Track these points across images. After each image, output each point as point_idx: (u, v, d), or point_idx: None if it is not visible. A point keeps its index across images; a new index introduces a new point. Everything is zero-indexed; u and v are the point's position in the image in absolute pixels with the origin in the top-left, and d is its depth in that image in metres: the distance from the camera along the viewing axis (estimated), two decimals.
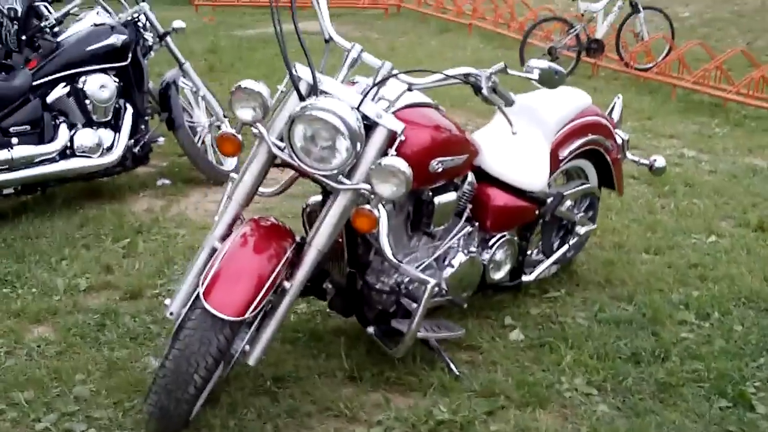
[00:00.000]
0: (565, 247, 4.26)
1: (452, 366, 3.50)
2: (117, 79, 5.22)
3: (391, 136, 2.95)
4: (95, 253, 4.56)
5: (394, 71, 3.04)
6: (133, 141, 5.27)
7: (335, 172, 2.92)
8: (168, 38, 5.57)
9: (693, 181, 6.09)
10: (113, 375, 3.41)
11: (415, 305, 3.24)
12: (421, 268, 3.46)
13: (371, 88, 3.00)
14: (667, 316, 4.04)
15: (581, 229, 4.29)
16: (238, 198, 3.06)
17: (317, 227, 3.02)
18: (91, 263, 4.42)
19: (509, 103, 3.15)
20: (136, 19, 5.36)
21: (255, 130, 2.98)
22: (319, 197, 3.35)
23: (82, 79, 5.06)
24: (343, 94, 2.96)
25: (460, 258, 3.61)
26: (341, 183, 2.94)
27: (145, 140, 5.35)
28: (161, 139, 5.54)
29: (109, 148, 5.14)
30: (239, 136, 2.97)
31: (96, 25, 5.18)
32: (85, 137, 5.04)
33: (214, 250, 3.01)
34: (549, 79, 3.08)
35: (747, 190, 6.03)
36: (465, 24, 13.05)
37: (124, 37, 5.22)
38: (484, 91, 3.04)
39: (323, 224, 3.01)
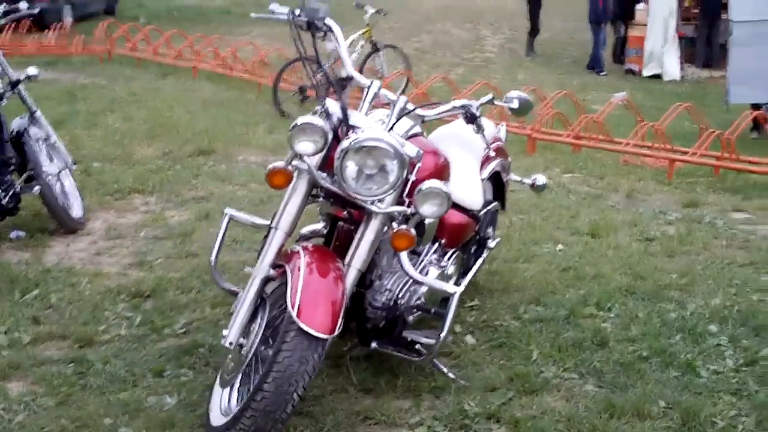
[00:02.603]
0: (481, 259, 5.39)
1: (445, 370, 4.44)
2: None
3: (411, 163, 3.87)
4: (9, 306, 4.94)
5: (409, 105, 4.03)
6: (2, 192, 5.53)
7: (384, 195, 3.78)
8: (20, 86, 5.98)
9: (514, 199, 7.53)
10: (136, 417, 3.89)
11: (412, 316, 4.19)
12: (401, 284, 4.38)
13: (397, 120, 3.96)
14: (578, 312, 5.32)
15: (492, 243, 5.44)
16: (284, 227, 3.75)
17: (354, 249, 3.80)
18: (15, 317, 4.79)
19: (483, 130, 4.27)
20: None
21: (298, 163, 3.78)
22: (315, 226, 4.17)
23: None
24: (370, 127, 3.88)
25: (434, 272, 4.57)
26: (378, 207, 3.77)
27: (14, 191, 5.64)
28: (37, 188, 5.83)
29: None
30: (290, 168, 3.75)
31: None
32: None
33: (267, 279, 3.71)
34: (524, 108, 4.26)
35: (556, 203, 7.62)
36: (187, 68, 14.40)
37: None
38: (479, 121, 4.17)
39: (360, 246, 3.78)
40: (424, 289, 4.28)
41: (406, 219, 3.89)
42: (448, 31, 22.07)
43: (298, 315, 3.41)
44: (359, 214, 3.86)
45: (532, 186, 5.54)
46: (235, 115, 10.82)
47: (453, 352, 4.59)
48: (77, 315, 4.86)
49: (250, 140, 9.44)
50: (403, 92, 11.62)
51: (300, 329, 3.39)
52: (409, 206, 3.84)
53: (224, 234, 4.17)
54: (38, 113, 6.20)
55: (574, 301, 5.32)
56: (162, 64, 14.91)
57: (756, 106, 11.90)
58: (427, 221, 4.23)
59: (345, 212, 3.93)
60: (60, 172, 6.22)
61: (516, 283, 5.57)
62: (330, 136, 3.69)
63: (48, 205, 6.01)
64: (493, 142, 5.16)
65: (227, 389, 3.76)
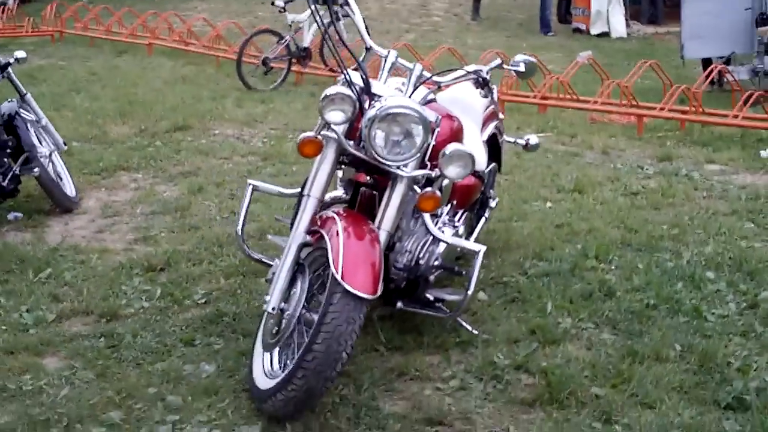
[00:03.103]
0: (484, 218, 5.56)
1: (468, 326, 4.61)
2: None
3: (431, 127, 4.00)
4: (26, 286, 4.99)
5: (425, 72, 4.18)
6: (0, 175, 5.56)
7: (411, 159, 3.94)
8: (9, 69, 6.04)
9: None
10: (178, 385, 4.01)
11: (433, 275, 4.33)
12: (420, 245, 4.53)
13: (417, 87, 4.11)
14: (581, 265, 5.53)
15: (492, 203, 5.61)
16: (316, 194, 3.88)
17: (383, 212, 3.95)
18: (35, 296, 4.86)
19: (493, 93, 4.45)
20: None
21: (327, 132, 3.92)
22: (335, 193, 4.30)
23: None
24: (392, 95, 4.03)
25: (449, 232, 4.73)
26: (404, 171, 3.91)
27: (13, 173, 5.68)
28: (36, 170, 5.86)
29: None
30: (320, 138, 3.89)
31: None
32: None
33: (303, 245, 3.84)
34: (531, 70, 4.46)
35: (536, 163, 7.82)
36: (142, 45, 14.36)
37: None
38: (490, 85, 4.34)
39: (388, 209, 3.93)
40: (441, 248, 4.42)
41: (428, 182, 4.04)
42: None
43: (342, 277, 3.54)
44: (384, 180, 3.99)
45: (525, 146, 5.69)
46: (200, 91, 10.87)
47: (470, 309, 4.74)
48: (95, 291, 4.92)
49: (222, 114, 9.50)
50: (363, 61, 11.65)
51: (345, 290, 3.53)
52: (431, 169, 3.98)
53: (248, 204, 4.27)
54: (28, 96, 6.27)
55: (575, 255, 5.50)
56: (116, 43, 14.79)
57: (706, 60, 12.22)
58: (444, 183, 4.37)
59: (368, 178, 4.05)
60: (51, 153, 6.23)
61: (515, 240, 5.74)
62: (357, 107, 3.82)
63: (44, 186, 6.06)
64: (490, 105, 5.31)
65: (269, 353, 3.87)
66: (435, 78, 4.21)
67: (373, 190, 4.10)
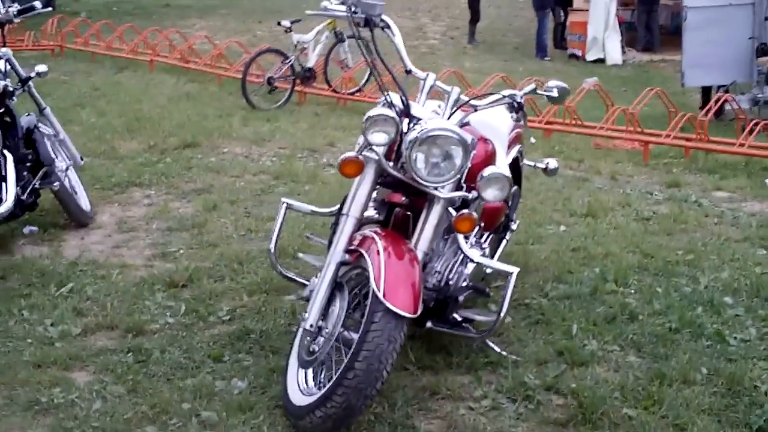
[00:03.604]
0: (506, 240, 5.61)
1: (497, 348, 4.63)
2: None
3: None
4: (48, 300, 5.02)
5: (462, 96, 4.25)
6: (20, 188, 5.58)
7: (451, 180, 4.00)
8: (30, 83, 6.07)
9: None
10: (211, 401, 4.03)
11: (462, 296, 4.38)
12: (449, 265, 4.58)
13: (455, 110, 4.18)
14: (601, 289, 5.58)
15: (513, 225, 5.67)
16: (355, 213, 3.94)
17: (419, 232, 4.01)
18: (58, 310, 4.88)
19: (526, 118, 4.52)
20: None
21: (368, 153, 3.97)
22: (368, 213, 4.35)
23: None
24: (431, 117, 4.09)
25: (476, 254, 4.78)
26: (442, 192, 3.97)
27: (33, 186, 5.71)
28: (57, 184, 5.88)
29: None
30: (361, 158, 3.95)
31: None
32: None
33: (342, 263, 3.88)
34: (563, 95, 4.51)
35: (547, 187, 7.89)
36: (143, 61, 14.42)
37: (2, 83, 5.55)
38: (524, 109, 4.41)
39: (425, 229, 4.00)
40: (470, 269, 4.46)
41: (464, 203, 4.09)
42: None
43: (384, 296, 3.58)
44: (418, 200, 4.04)
45: (545, 170, 5.73)
46: (205, 108, 10.91)
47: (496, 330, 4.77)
48: (119, 306, 4.94)
49: (229, 132, 9.55)
50: (366, 82, 11.84)
51: (387, 309, 3.58)
52: (469, 191, 4.03)
53: (282, 222, 4.32)
54: (47, 110, 6.29)
55: (594, 279, 5.55)
56: (117, 59, 14.82)
57: (706, 88, 12.36)
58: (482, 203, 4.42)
59: (403, 199, 4.10)
60: (68, 167, 6.26)
61: (533, 263, 5.79)
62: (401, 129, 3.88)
63: (62, 200, 6.08)
64: (515, 129, 5.38)
65: (304, 370, 3.90)
66: (472, 102, 4.25)
67: (407, 211, 4.14)
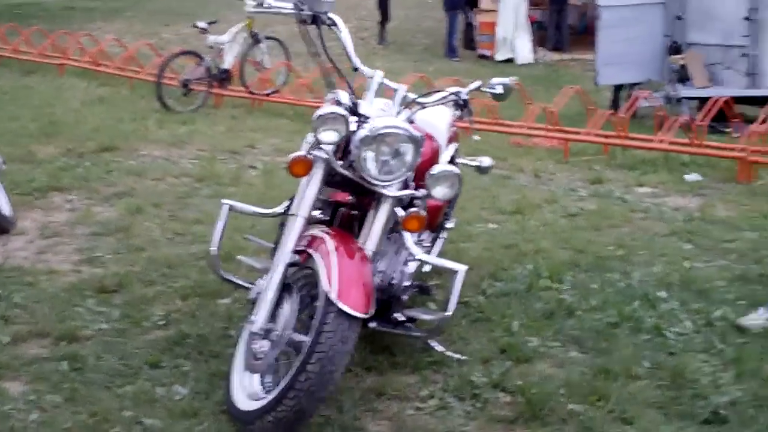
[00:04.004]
0: (443, 239, 5.59)
1: (440, 347, 4.60)
2: None
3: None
4: None
5: (410, 93, 4.21)
6: None
7: (402, 178, 3.97)
8: None
9: None
10: (153, 408, 3.91)
11: (406, 295, 4.33)
12: (393, 265, 4.54)
13: (404, 108, 4.15)
14: (536, 285, 5.60)
15: (450, 224, 5.65)
16: (303, 213, 3.86)
17: (367, 232, 3.97)
18: None
19: (472, 114, 4.51)
20: None
21: (317, 152, 3.90)
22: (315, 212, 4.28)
23: None
24: (380, 115, 4.05)
25: (421, 253, 4.73)
26: (390, 191, 3.93)
27: None
28: None
29: None
30: (310, 156, 3.89)
31: None
32: None
33: (291, 264, 3.81)
34: (507, 92, 4.52)
35: (473, 185, 7.91)
36: (52, 64, 14.11)
37: None
38: (469, 107, 4.40)
39: (373, 228, 3.95)
40: (413, 268, 4.43)
41: (410, 202, 4.06)
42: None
43: (337, 297, 3.52)
44: (364, 199, 4.00)
45: (478, 168, 5.74)
46: (119, 112, 10.73)
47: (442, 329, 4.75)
48: (49, 312, 4.79)
49: (146, 135, 9.41)
50: (284, 83, 11.78)
51: (340, 310, 3.53)
52: (415, 189, 4.01)
53: (224, 225, 4.23)
54: None
55: (528, 276, 5.56)
56: (23, 62, 14.44)
57: (618, 87, 12.57)
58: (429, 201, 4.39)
59: (349, 198, 4.05)
60: None
61: (466, 261, 5.68)
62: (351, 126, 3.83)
63: None
64: (452, 126, 5.37)
65: (252, 374, 3.83)
66: (419, 99, 4.22)
67: (352, 210, 4.09)
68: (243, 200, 6.42)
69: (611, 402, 4.04)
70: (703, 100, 11.39)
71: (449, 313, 4.08)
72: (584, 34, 20.80)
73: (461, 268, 4.10)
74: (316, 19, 4.04)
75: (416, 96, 4.21)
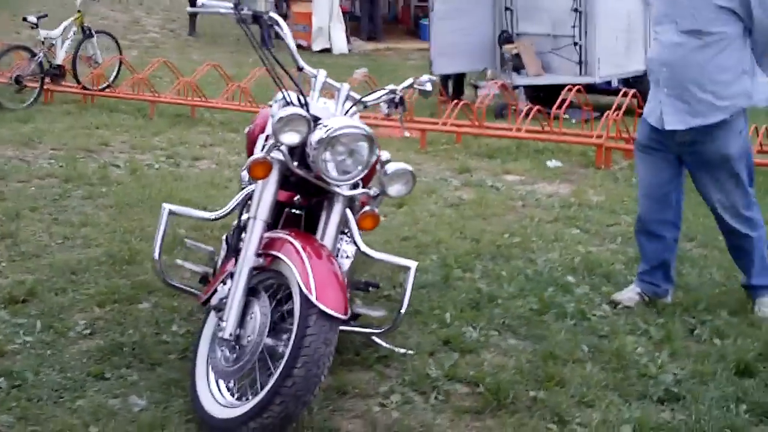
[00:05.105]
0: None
1: (384, 344, 4.61)
2: None
3: None
4: None
5: (351, 92, 4.20)
6: None
7: (358, 177, 3.98)
8: None
9: None
10: (113, 422, 3.75)
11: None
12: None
13: (352, 107, 4.17)
14: (451, 276, 5.70)
15: None
16: (263, 216, 3.82)
17: (323, 231, 3.96)
18: None
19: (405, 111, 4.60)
20: None
21: (275, 154, 3.87)
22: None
23: None
24: (326, 114, 4.06)
25: (352, 249, 4.75)
26: (344, 190, 3.93)
27: None
28: None
29: None
30: (269, 159, 3.85)
31: None
32: None
33: (256, 269, 3.76)
34: (434, 89, 4.61)
35: None
36: None
37: None
38: (405, 104, 4.48)
39: (328, 228, 3.96)
40: (348, 265, 4.44)
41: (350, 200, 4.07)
42: (104, 15, 21.50)
43: (317, 298, 3.50)
44: (315, 200, 4.00)
45: None
46: None
47: (371, 323, 4.77)
48: None
49: None
50: (116, 77, 11.53)
51: (320, 311, 3.50)
52: (365, 187, 4.04)
53: (165, 230, 4.12)
54: None
55: (438, 267, 5.66)
56: None
57: (446, 76, 12.89)
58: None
59: (296, 198, 4.04)
60: None
61: None
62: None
63: None
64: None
65: (220, 381, 3.77)
66: (364, 99, 4.25)
67: (298, 210, 4.09)
68: (122, 200, 6.32)
69: (568, 386, 4.14)
70: (539, 89, 11.84)
71: (403, 309, 4.08)
72: (392, 23, 21.21)
73: (413, 265, 4.12)
74: (256, 19, 3.98)
75: (361, 95, 4.23)
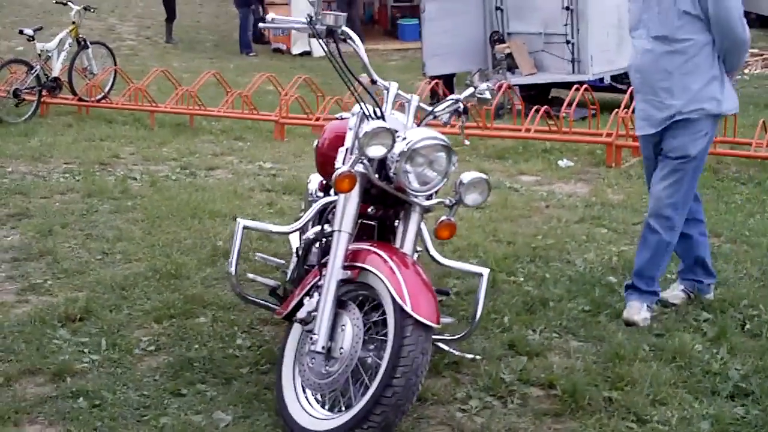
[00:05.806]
0: None
1: (447, 347, 4.71)
2: None
3: None
4: None
5: (421, 103, 4.26)
6: None
7: (438, 187, 4.06)
8: None
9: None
10: None
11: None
12: None
13: (426, 117, 4.24)
14: (498, 279, 5.77)
15: None
16: (347, 228, 3.90)
17: (401, 241, 4.04)
18: None
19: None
20: None
21: (359, 168, 3.91)
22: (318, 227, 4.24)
23: None
24: (399, 125, 4.07)
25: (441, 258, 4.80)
26: (423, 200, 4.01)
27: None
28: None
29: None
30: (354, 172, 3.87)
31: None
32: None
33: (343, 281, 3.83)
34: (493, 97, 4.71)
35: None
36: None
37: None
38: (469, 113, 4.56)
39: (407, 238, 4.04)
40: None
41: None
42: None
43: (412, 308, 3.58)
44: (389, 211, 4.11)
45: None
46: None
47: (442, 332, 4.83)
48: (24, 347, 4.55)
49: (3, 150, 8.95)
50: (111, 87, 11.55)
51: (416, 321, 3.58)
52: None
53: (240, 245, 4.19)
54: None
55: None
56: None
57: (435, 77, 12.96)
58: None
59: (370, 209, 4.11)
60: None
61: None
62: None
63: None
64: None
65: (303, 393, 3.84)
66: (435, 110, 4.33)
67: (371, 221, 4.14)
68: (152, 214, 6.36)
69: (639, 386, 4.22)
70: (530, 87, 11.97)
71: (478, 316, 4.19)
72: (370, 24, 21.27)
73: (485, 271, 4.22)
74: (330, 33, 4.04)
75: (434, 106, 4.32)
